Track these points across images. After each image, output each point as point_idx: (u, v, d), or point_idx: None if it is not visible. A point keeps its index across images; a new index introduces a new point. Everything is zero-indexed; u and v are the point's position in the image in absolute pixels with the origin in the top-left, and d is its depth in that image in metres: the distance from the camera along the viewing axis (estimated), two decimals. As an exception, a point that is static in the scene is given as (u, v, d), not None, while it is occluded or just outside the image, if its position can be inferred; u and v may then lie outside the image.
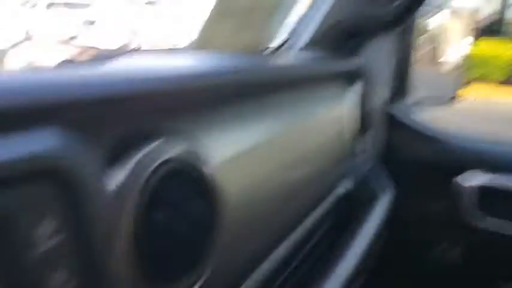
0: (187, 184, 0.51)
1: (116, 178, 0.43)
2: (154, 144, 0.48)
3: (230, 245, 0.60)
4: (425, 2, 1.18)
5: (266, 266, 0.76)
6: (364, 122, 1.22)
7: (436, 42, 3.24)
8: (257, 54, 1.02)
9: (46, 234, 0.35)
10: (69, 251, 0.38)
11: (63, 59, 0.70)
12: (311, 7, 1.08)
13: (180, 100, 0.56)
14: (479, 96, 7.62)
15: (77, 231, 0.38)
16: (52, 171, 0.36)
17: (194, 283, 0.52)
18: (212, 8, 1.15)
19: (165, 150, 0.48)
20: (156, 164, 0.47)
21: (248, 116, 0.70)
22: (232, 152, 0.63)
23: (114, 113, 0.45)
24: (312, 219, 0.98)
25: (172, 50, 0.99)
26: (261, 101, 0.73)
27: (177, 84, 0.55)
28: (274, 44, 1.05)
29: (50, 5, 6.78)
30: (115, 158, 0.44)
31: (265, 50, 1.05)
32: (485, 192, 1.21)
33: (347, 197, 1.15)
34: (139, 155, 0.46)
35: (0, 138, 0.33)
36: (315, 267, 0.95)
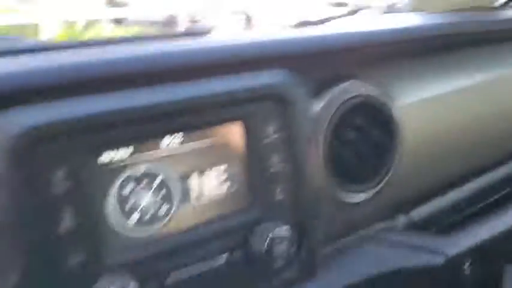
0: (372, 115, 0.72)
1: (317, 104, 0.69)
2: (347, 83, 0.71)
3: (404, 173, 0.77)
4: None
5: (433, 204, 0.90)
6: None
7: None
8: (483, 10, 1.03)
9: (272, 130, 0.60)
10: (284, 143, 0.61)
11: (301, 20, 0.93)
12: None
13: (379, 52, 0.76)
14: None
15: (291, 133, 0.61)
16: (278, 94, 0.61)
17: (372, 188, 0.74)
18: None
19: (355, 88, 0.71)
20: (347, 97, 0.70)
21: (449, 67, 0.84)
22: (425, 97, 0.80)
23: (322, 60, 0.70)
24: (492, 177, 0.97)
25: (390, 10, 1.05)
26: (467, 53, 0.87)
27: (376, 38, 0.75)
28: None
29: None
30: (318, 91, 0.70)
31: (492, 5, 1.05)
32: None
33: None
34: (335, 90, 0.70)
35: (252, 74, 0.61)
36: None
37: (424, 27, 0.83)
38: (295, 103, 0.62)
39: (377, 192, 0.74)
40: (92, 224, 0.51)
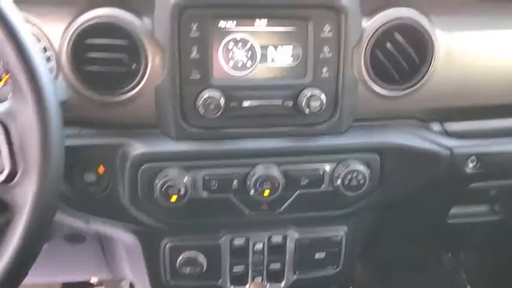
0: (412, 34, 0.97)
1: (364, 23, 0.97)
2: (396, 9, 0.97)
3: (436, 85, 1.02)
4: None
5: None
6: None
7: None
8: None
9: (327, 29, 0.94)
10: (334, 40, 0.95)
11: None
12: None
13: None
14: None
15: (340, 34, 0.95)
16: (334, 6, 0.93)
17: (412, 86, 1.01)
18: None
19: (402, 13, 0.97)
20: (389, 19, 0.97)
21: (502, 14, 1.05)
22: (463, 38, 1.03)
23: None
24: None
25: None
26: None
27: None
28: None
29: None
30: (369, 12, 0.97)
31: None
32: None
33: None
34: (383, 13, 0.97)
35: None
36: None
37: None
38: (347, 14, 0.93)
39: (410, 93, 1.01)
40: (206, 59, 0.92)
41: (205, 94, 0.92)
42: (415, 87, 1.01)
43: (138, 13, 0.92)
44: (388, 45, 0.98)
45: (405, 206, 1.22)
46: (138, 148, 0.95)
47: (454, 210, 1.30)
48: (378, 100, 1.02)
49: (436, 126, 1.12)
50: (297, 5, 0.94)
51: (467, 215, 1.33)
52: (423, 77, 1.00)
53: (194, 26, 0.90)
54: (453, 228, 1.35)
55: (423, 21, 0.98)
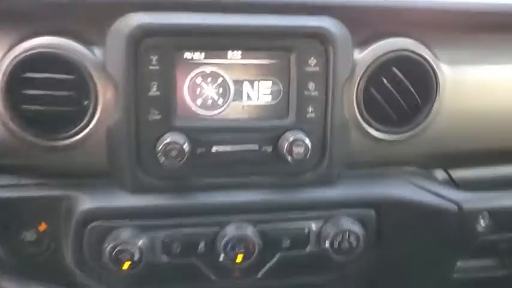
0: (415, 68, 0.85)
1: (356, 55, 0.84)
2: (394, 39, 0.84)
3: (440, 129, 0.89)
4: None
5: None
6: None
7: None
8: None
9: (313, 63, 0.81)
10: (321, 75, 0.81)
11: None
12: None
13: (441, 19, 0.86)
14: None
15: (328, 68, 0.80)
16: (322, 35, 0.79)
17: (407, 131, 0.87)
18: None
19: (402, 44, 0.84)
20: (386, 50, 0.84)
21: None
22: (469, 73, 0.89)
23: (374, 17, 0.84)
24: None
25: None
26: None
27: (439, 5, 0.85)
28: None
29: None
30: (362, 43, 0.84)
31: None
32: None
33: None
34: (378, 43, 0.84)
35: (304, 18, 0.80)
36: None
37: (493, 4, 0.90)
38: (335, 44, 0.80)
39: (410, 136, 0.87)
40: (169, 96, 0.78)
41: (167, 138, 0.77)
42: (416, 130, 0.87)
43: (87, 43, 0.78)
44: (385, 80, 0.85)
45: (404, 260, 1.06)
46: (85, 202, 0.81)
47: (460, 264, 1.14)
48: (373, 144, 0.88)
49: (440, 174, 0.97)
50: (277, 34, 0.80)
51: (475, 269, 1.17)
52: (426, 117, 0.87)
53: (154, 58, 0.76)
54: (460, 284, 1.18)
55: (425, 52, 0.86)
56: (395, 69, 0.84)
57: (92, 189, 0.82)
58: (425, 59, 0.85)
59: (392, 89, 0.84)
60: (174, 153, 0.77)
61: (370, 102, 0.85)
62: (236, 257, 0.81)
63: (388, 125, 0.87)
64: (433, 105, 0.87)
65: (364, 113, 0.85)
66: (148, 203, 0.82)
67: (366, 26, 0.84)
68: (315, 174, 0.85)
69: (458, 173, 0.98)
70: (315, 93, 0.81)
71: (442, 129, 0.89)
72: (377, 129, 0.87)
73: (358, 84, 0.84)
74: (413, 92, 0.85)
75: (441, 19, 0.87)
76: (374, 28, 0.85)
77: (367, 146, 0.88)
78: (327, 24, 0.80)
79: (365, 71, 0.84)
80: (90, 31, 0.77)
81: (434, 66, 0.86)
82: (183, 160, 0.77)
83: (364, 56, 0.84)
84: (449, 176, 0.97)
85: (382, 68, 0.84)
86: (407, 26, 0.86)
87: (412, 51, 0.85)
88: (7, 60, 0.74)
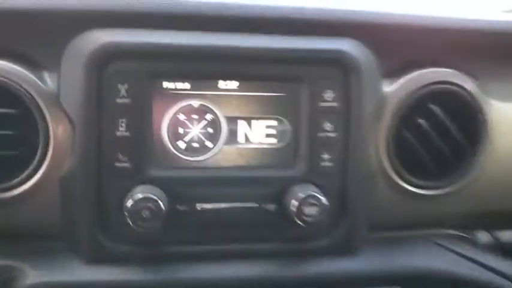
0: (458, 106, 0.67)
1: (385, 87, 0.66)
2: (431, 69, 0.67)
3: (489, 180, 0.71)
4: None
5: None
6: None
7: None
8: None
9: (330, 97, 0.62)
10: (341, 112, 0.63)
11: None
12: None
13: (482, 43, 0.69)
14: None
15: (350, 103, 0.62)
16: (341, 61, 0.62)
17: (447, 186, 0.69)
18: None
19: (440, 75, 0.67)
20: (427, 82, 0.66)
21: None
22: None
23: (408, 40, 0.66)
24: None
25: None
26: None
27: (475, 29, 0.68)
28: None
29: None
30: (393, 72, 0.66)
31: None
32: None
33: None
34: (413, 73, 0.66)
35: (318, 40, 0.62)
36: None
37: None
38: (358, 73, 0.62)
39: (453, 192, 0.69)
40: (142, 137, 0.59)
41: (138, 193, 0.59)
42: (460, 183, 0.70)
43: (36, 67, 0.60)
44: (421, 121, 0.66)
45: None
46: (30, 275, 0.63)
47: None
48: (404, 201, 0.70)
49: (483, 237, 0.77)
50: (284, 59, 0.62)
51: None
52: (473, 167, 0.69)
53: (123, 88, 0.58)
54: None
55: (470, 86, 0.67)
56: (433, 107, 0.66)
57: (40, 257, 0.63)
58: (470, 93, 0.67)
59: (430, 131, 0.66)
60: (146, 212, 0.58)
61: (402, 147, 0.67)
62: None
63: (424, 177, 0.68)
64: (481, 151, 0.68)
65: (395, 161, 0.67)
66: (110, 277, 0.62)
67: (397, 52, 0.67)
68: (331, 242, 0.66)
69: (507, 236, 0.78)
70: (331, 136, 0.63)
71: (492, 181, 0.70)
72: (410, 183, 0.68)
73: (388, 125, 0.66)
74: (457, 136, 0.67)
75: (491, 45, 0.69)
76: (407, 54, 0.67)
77: (397, 203, 0.69)
78: (348, 48, 0.62)
79: (396, 109, 0.66)
80: (40, 52, 0.60)
81: (483, 103, 0.68)
82: (159, 222, 0.58)
83: (395, 90, 0.66)
84: (497, 239, 0.77)
85: (417, 104, 0.66)
86: (448, 52, 0.68)
87: (455, 84, 0.67)
88: None
